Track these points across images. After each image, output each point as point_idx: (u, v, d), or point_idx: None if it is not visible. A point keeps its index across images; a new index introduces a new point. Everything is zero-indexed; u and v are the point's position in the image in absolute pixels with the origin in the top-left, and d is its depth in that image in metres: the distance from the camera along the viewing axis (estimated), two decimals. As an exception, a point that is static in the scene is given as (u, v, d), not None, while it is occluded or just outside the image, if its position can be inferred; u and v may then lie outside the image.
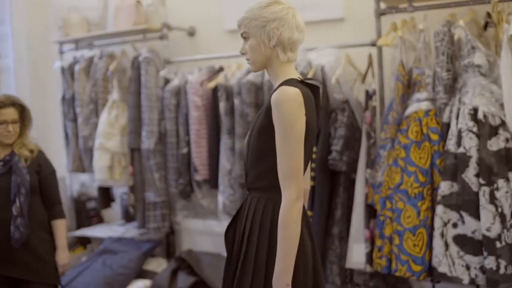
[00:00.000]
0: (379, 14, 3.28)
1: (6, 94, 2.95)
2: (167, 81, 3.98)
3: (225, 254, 3.79)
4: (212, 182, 3.83)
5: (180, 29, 4.17)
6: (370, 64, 3.40)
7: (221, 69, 3.90)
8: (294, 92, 1.82)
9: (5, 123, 2.80)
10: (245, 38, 1.98)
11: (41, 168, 2.91)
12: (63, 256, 2.91)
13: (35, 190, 2.86)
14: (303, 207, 1.92)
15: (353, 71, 3.47)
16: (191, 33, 4.23)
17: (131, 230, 4.33)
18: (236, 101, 3.62)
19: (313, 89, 1.98)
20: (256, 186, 1.98)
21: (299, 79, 1.93)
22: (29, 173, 2.83)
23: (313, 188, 3.32)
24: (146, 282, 3.91)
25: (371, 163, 3.19)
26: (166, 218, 4.04)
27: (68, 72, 4.42)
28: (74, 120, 4.42)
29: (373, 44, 3.32)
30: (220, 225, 3.88)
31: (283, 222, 1.82)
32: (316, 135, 2.04)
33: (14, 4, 4.67)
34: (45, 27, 4.84)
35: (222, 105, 3.68)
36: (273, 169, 1.88)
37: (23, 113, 2.90)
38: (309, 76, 3.32)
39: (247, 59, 2.00)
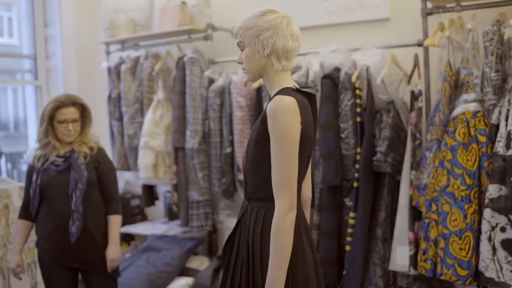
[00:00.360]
0: (426, 13, 3.23)
1: (67, 93, 3.08)
2: (211, 81, 4.01)
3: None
4: (255, 181, 3.84)
5: (224, 29, 4.20)
6: (416, 64, 3.35)
7: (264, 69, 3.90)
8: (289, 101, 1.82)
9: (66, 122, 2.93)
10: (241, 47, 1.99)
11: (100, 164, 3.01)
12: (113, 250, 2.98)
13: (93, 186, 2.97)
14: (303, 218, 1.95)
15: (398, 72, 3.44)
16: (235, 33, 4.25)
17: (174, 228, 4.38)
18: (280, 101, 3.61)
19: (309, 97, 1.97)
20: (255, 196, 1.97)
21: (295, 88, 1.92)
22: (88, 169, 2.95)
23: (357, 190, 3.30)
24: (189, 279, 3.96)
25: (416, 165, 3.15)
26: (209, 217, 4.08)
27: (115, 72, 4.50)
28: (120, 119, 4.50)
29: (420, 45, 3.27)
30: (263, 225, 3.88)
31: (275, 232, 1.81)
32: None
33: (63, 7, 4.78)
34: (93, 28, 4.95)
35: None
36: (270, 179, 1.86)
37: (83, 112, 3.02)
38: (354, 77, 3.31)
39: (243, 68, 2.01)
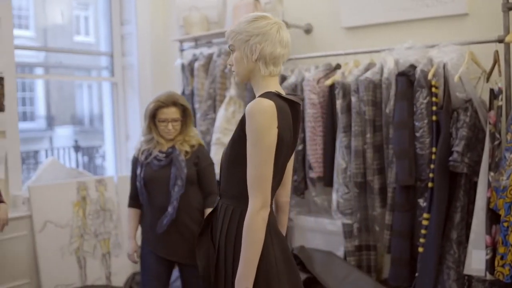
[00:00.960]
0: (508, 8, 3.11)
1: (169, 93, 3.19)
2: (283, 78, 4.01)
3: (337, 252, 3.80)
4: (327, 180, 3.82)
5: (297, 26, 4.19)
6: (496, 61, 3.22)
7: (338, 67, 3.87)
8: (268, 104, 1.86)
9: (166, 121, 3.09)
10: (232, 50, 2.04)
11: (199, 160, 3.15)
12: None
13: (192, 182, 3.12)
14: (273, 219, 1.99)
15: (477, 69, 3.32)
16: (308, 30, 4.23)
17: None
18: (353, 99, 3.58)
19: (292, 104, 2.00)
20: (226, 194, 2.04)
21: (277, 93, 1.96)
22: (187, 166, 3.09)
23: (431, 190, 3.23)
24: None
25: (495, 166, 3.04)
26: (279, 214, 4.08)
27: (188, 69, 4.58)
28: (193, 115, 4.57)
29: (500, 41, 3.15)
30: (333, 224, 3.86)
31: (247, 228, 1.87)
32: (291, 148, 2.06)
33: (139, 6, 4.90)
34: (167, 26, 5.05)
35: (339, 103, 3.65)
36: (243, 179, 1.91)
37: (185, 112, 3.15)
38: (430, 74, 3.23)
39: (233, 71, 2.06)
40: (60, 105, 8.24)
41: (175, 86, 4.91)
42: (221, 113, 4.21)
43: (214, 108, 4.39)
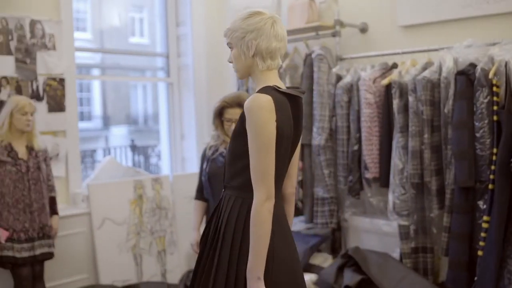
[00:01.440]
0: None
1: (236, 94, 3.22)
2: (339, 78, 3.99)
3: (393, 254, 3.75)
4: (383, 180, 3.77)
5: (352, 25, 4.16)
6: (561, 59, 3.13)
7: (394, 66, 3.82)
8: (265, 99, 1.91)
9: (230, 121, 3.13)
10: (230, 48, 2.08)
11: None
12: None
13: None
14: (281, 209, 2.07)
15: (541, 67, 3.22)
16: (363, 29, 4.19)
17: (297, 224, 4.41)
18: (411, 99, 3.53)
19: (293, 97, 2.03)
20: (230, 185, 2.09)
21: (275, 87, 1.99)
22: None
23: (492, 192, 3.15)
24: (312, 276, 3.96)
25: (560, 167, 2.94)
26: (334, 215, 4.06)
27: (243, 69, 4.60)
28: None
29: None
30: (389, 225, 3.82)
31: (253, 220, 1.92)
32: (293, 141, 2.06)
33: (194, 7, 4.96)
34: (222, 27, 5.08)
35: (395, 103, 3.61)
36: (244, 170, 1.98)
37: None
38: (491, 73, 3.16)
39: (233, 68, 2.11)
40: (116, 105, 8.43)
41: (230, 86, 4.94)
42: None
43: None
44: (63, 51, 4.13)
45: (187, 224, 4.68)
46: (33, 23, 3.99)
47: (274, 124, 1.92)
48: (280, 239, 2.01)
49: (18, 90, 3.91)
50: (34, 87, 4.00)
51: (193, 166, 4.99)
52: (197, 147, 4.95)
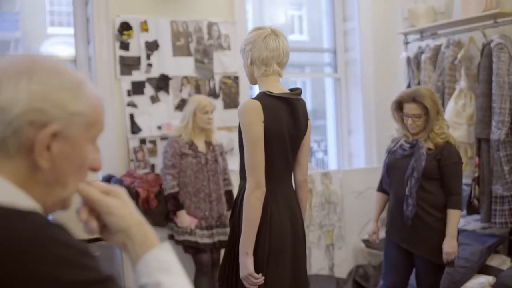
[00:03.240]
0: None
1: (413, 89, 3.28)
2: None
3: None
4: None
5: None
6: None
7: None
8: (252, 104, 2.29)
9: (407, 116, 3.12)
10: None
11: (442, 157, 3.07)
12: (448, 244, 3.04)
13: (431, 177, 3.08)
14: (287, 194, 2.41)
15: None
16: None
17: (472, 223, 4.21)
18: None
19: (287, 100, 2.37)
20: (240, 175, 2.47)
21: (268, 92, 2.33)
22: (428, 160, 3.06)
23: None
24: (490, 278, 3.77)
25: None
26: (514, 214, 3.81)
27: (414, 62, 4.48)
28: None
29: None
30: None
31: (244, 205, 2.30)
32: (294, 136, 2.42)
33: (362, 1, 4.92)
34: (389, 19, 5.00)
35: None
36: (244, 164, 2.36)
37: (426, 108, 3.07)
38: None
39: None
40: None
41: (399, 80, 4.84)
42: (451, 106, 4.04)
43: (442, 101, 4.23)
44: (237, 50, 4.32)
45: (355, 219, 4.68)
46: (210, 25, 4.23)
47: (262, 124, 2.27)
48: (279, 216, 2.35)
49: (197, 89, 4.17)
50: (211, 85, 4.24)
51: (361, 162, 4.96)
52: (365, 143, 4.91)
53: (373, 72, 4.97)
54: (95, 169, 1.00)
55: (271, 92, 2.34)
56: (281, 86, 2.42)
